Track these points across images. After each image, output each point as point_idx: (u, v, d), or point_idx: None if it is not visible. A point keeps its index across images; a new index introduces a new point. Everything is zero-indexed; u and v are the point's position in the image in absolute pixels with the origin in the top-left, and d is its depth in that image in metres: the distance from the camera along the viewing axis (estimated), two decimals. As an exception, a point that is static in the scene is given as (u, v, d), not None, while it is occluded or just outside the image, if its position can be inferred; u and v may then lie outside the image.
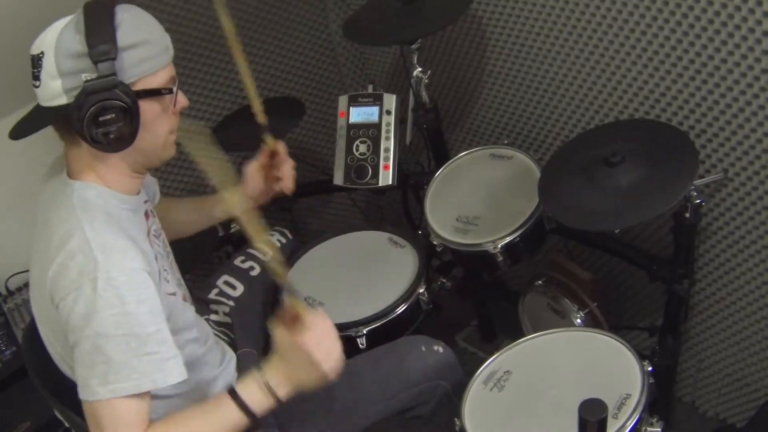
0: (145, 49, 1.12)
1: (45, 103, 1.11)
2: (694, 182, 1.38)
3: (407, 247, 1.80)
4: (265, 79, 2.36)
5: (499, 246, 1.60)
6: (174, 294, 1.25)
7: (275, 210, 2.33)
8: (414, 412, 1.47)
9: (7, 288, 1.92)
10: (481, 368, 1.41)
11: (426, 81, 1.81)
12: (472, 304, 2.24)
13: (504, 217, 1.64)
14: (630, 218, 1.37)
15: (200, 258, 2.10)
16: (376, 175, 1.82)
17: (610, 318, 1.78)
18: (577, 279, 1.80)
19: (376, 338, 1.58)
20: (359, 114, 1.87)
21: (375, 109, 1.85)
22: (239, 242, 2.13)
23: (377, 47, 2.42)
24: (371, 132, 1.84)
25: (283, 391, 1.16)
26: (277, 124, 1.96)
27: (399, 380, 1.43)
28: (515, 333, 1.77)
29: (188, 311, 1.32)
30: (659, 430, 1.22)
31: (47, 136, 1.19)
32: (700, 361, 1.88)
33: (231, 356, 1.48)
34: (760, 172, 1.50)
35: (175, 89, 1.19)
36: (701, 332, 1.83)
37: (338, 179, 1.86)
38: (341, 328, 1.61)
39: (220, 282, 1.69)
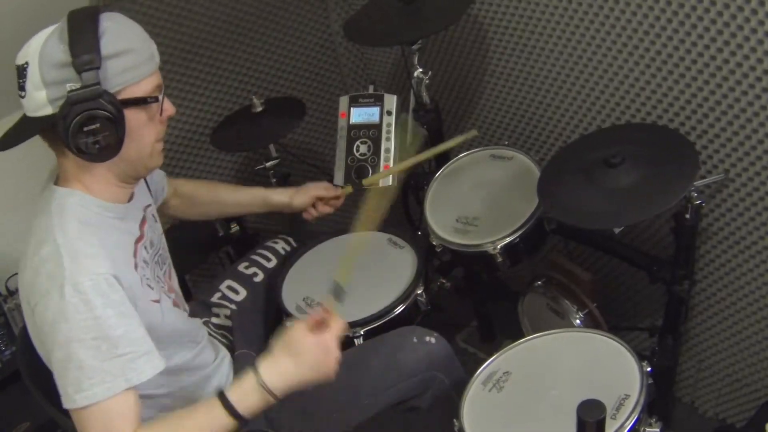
0: (129, 58, 1.12)
1: (31, 114, 1.11)
2: (695, 183, 1.38)
3: (406, 247, 1.80)
4: (266, 79, 2.37)
5: (499, 247, 1.60)
6: (158, 301, 1.25)
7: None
8: (410, 404, 1.48)
9: (7, 288, 1.92)
10: (480, 369, 1.41)
11: (427, 81, 1.81)
12: (471, 304, 2.24)
13: (504, 218, 1.64)
14: (630, 217, 1.37)
15: (200, 258, 2.11)
16: (376, 175, 1.82)
17: (610, 318, 1.78)
18: (577, 279, 1.80)
19: (374, 339, 1.58)
20: (360, 114, 1.87)
21: (376, 110, 1.85)
22: (239, 242, 2.14)
23: (378, 48, 2.42)
24: (372, 132, 1.84)
25: (280, 389, 1.18)
26: (278, 125, 1.97)
27: (392, 372, 1.43)
28: (515, 333, 1.77)
29: (178, 316, 1.33)
30: (658, 430, 1.22)
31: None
32: (700, 362, 1.88)
33: (224, 355, 1.48)
34: (761, 173, 1.50)
35: (160, 97, 1.19)
36: (701, 333, 1.83)
37: (339, 180, 1.87)
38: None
39: (223, 286, 1.70)
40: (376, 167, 1.82)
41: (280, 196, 1.76)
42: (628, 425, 1.17)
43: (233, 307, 1.66)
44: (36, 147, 1.17)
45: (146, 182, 1.43)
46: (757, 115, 1.45)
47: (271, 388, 1.17)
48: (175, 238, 1.89)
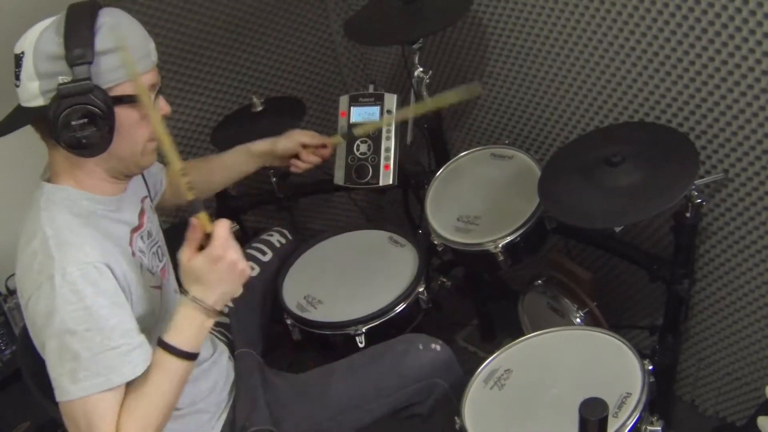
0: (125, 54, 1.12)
1: (24, 104, 1.11)
2: (695, 182, 1.38)
3: (407, 246, 1.80)
4: (266, 79, 2.37)
5: (500, 245, 1.60)
6: (159, 287, 1.26)
7: (275, 210, 2.33)
8: (412, 411, 1.48)
9: (7, 288, 1.92)
10: (481, 367, 1.41)
11: (427, 81, 1.81)
12: (472, 303, 2.24)
13: (505, 217, 1.64)
14: (630, 216, 1.37)
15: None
16: (376, 174, 1.82)
17: (610, 317, 1.78)
18: (577, 278, 1.80)
19: (375, 337, 1.58)
20: (360, 114, 1.87)
21: (376, 109, 1.85)
22: (239, 242, 2.13)
23: (378, 47, 2.42)
24: (372, 132, 1.84)
25: (214, 306, 1.16)
26: (278, 124, 1.97)
27: (396, 378, 1.43)
28: (515, 332, 1.77)
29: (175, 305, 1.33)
30: (659, 428, 1.22)
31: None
32: (700, 360, 1.88)
33: (222, 350, 1.48)
34: (760, 173, 1.50)
35: (153, 96, 1.18)
36: (701, 331, 1.83)
37: (339, 179, 1.87)
38: (341, 326, 1.61)
39: None
40: (376, 167, 1.82)
41: (262, 144, 1.68)
42: (630, 423, 1.17)
43: (230, 303, 1.65)
44: (38, 146, 1.17)
45: (143, 176, 1.42)
46: (756, 115, 1.45)
47: (204, 304, 1.15)
48: (175, 237, 1.89)
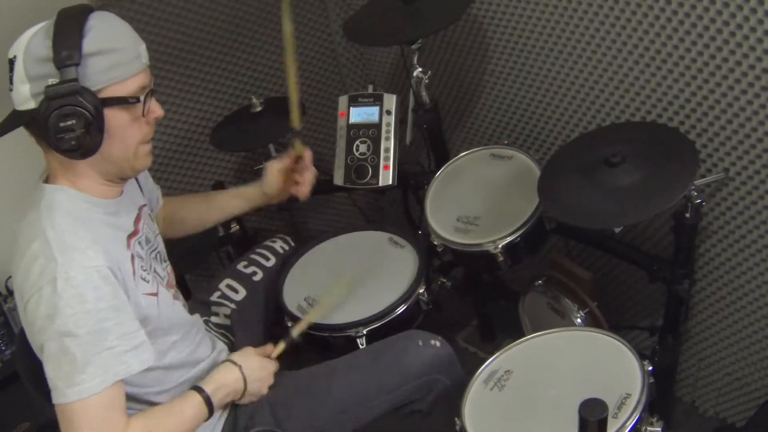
0: (112, 57, 1.11)
1: (18, 107, 1.12)
2: (695, 182, 1.38)
3: (407, 247, 1.80)
4: (265, 79, 2.36)
5: (500, 246, 1.60)
6: (155, 294, 1.25)
7: (275, 210, 2.33)
8: (412, 407, 1.48)
9: (7, 288, 1.92)
10: (481, 368, 1.41)
11: (426, 81, 1.81)
12: (472, 304, 2.24)
13: (504, 217, 1.64)
14: (630, 217, 1.37)
15: (201, 258, 2.11)
16: (376, 175, 1.82)
17: (611, 318, 1.77)
18: (577, 279, 1.80)
19: (375, 338, 1.58)
20: (359, 114, 1.87)
21: (375, 109, 1.85)
22: (239, 242, 2.14)
23: (377, 47, 2.42)
24: (371, 132, 1.84)
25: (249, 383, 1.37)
26: (277, 124, 1.97)
27: (397, 375, 1.43)
28: (515, 333, 1.77)
29: (177, 310, 1.33)
30: (659, 429, 1.22)
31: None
32: (700, 361, 1.88)
33: (221, 348, 1.49)
34: (760, 172, 1.50)
35: (142, 98, 1.17)
36: (701, 332, 1.83)
37: (338, 179, 1.87)
38: (341, 328, 1.61)
39: (222, 285, 1.70)
40: (376, 166, 1.82)
41: (252, 190, 1.67)
42: (630, 424, 1.17)
43: (233, 306, 1.66)
44: (36, 148, 1.18)
45: (138, 183, 1.42)
46: (756, 114, 1.45)
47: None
48: (175, 238, 1.90)
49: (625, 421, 1.17)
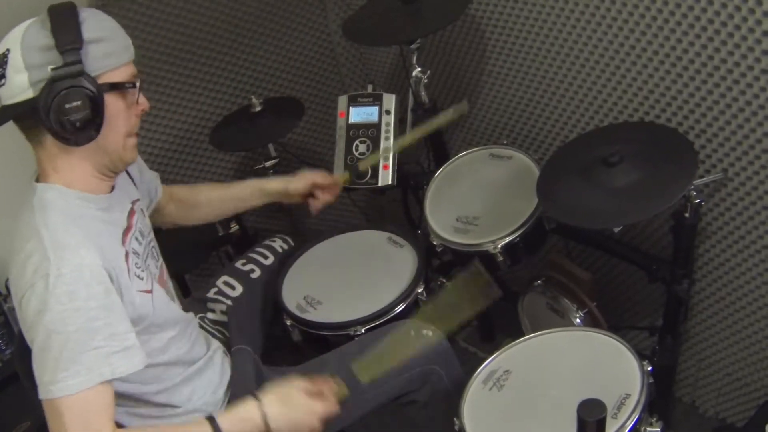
0: (107, 45, 1.15)
1: (9, 101, 1.12)
2: (694, 182, 1.38)
3: (406, 246, 1.80)
4: (264, 79, 2.36)
5: (499, 246, 1.60)
6: (149, 291, 1.25)
7: (275, 209, 2.33)
8: (408, 398, 1.48)
9: (7, 288, 1.92)
10: (480, 368, 1.41)
11: (425, 81, 1.81)
12: (471, 304, 2.24)
13: (504, 217, 1.64)
14: (629, 217, 1.37)
15: (201, 258, 2.11)
16: (375, 175, 1.82)
17: (610, 318, 1.78)
18: (577, 279, 1.80)
19: (375, 338, 1.58)
20: (359, 114, 1.87)
21: (374, 109, 1.85)
22: (239, 242, 2.14)
23: (377, 47, 2.42)
24: (371, 132, 1.84)
25: (274, 425, 1.22)
26: (277, 124, 1.97)
27: None
28: (515, 333, 1.77)
29: (172, 308, 1.33)
30: (659, 429, 1.22)
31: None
32: (700, 361, 1.88)
33: (216, 347, 1.48)
34: (759, 172, 1.50)
35: (138, 84, 1.21)
36: (701, 332, 1.83)
37: (338, 179, 1.86)
38: (340, 327, 1.61)
39: (219, 282, 1.70)
40: (375, 167, 1.82)
41: (276, 183, 1.72)
42: (629, 425, 1.17)
43: (229, 302, 1.66)
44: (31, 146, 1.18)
45: (131, 177, 1.43)
46: (755, 114, 1.45)
47: (269, 419, 1.22)
48: (175, 238, 1.90)
49: (625, 422, 1.17)
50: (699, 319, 1.81)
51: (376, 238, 1.87)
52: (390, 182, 1.82)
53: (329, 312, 1.66)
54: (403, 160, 1.88)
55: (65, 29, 1.10)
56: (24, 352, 1.25)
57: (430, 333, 1.47)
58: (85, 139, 1.13)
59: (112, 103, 1.16)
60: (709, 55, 1.46)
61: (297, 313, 1.67)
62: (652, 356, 1.67)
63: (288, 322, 1.67)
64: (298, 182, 1.70)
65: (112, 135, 1.19)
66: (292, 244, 1.88)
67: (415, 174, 1.98)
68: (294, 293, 1.73)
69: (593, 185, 1.39)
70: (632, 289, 1.96)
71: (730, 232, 1.63)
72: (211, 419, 1.18)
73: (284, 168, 2.15)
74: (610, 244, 1.76)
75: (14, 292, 1.13)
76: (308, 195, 1.72)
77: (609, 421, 0.97)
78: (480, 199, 1.74)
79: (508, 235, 1.60)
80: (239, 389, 1.43)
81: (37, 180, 1.20)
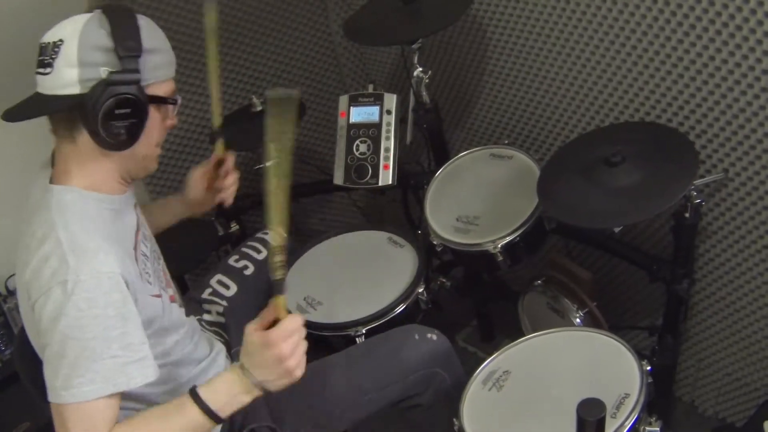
0: (160, 56, 1.17)
1: (51, 91, 1.12)
2: (694, 182, 1.38)
3: (407, 246, 1.80)
4: (265, 79, 2.37)
5: (499, 246, 1.60)
6: (159, 296, 1.25)
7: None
8: (411, 401, 1.48)
9: (7, 288, 1.92)
10: (480, 368, 1.41)
11: (426, 81, 1.81)
12: (471, 304, 2.24)
13: (504, 217, 1.64)
14: (630, 217, 1.37)
15: (201, 258, 2.11)
16: (376, 174, 1.82)
17: (610, 318, 1.78)
18: (577, 278, 1.80)
19: (375, 338, 1.58)
20: (360, 114, 1.87)
21: (375, 109, 1.85)
22: (238, 242, 2.14)
23: (378, 47, 2.42)
24: (371, 132, 1.84)
25: (254, 384, 1.14)
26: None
27: (394, 370, 1.44)
28: (515, 333, 1.77)
29: (177, 312, 1.33)
30: (658, 429, 1.22)
31: (46, 135, 1.19)
32: (700, 361, 1.88)
33: (219, 349, 1.48)
34: (760, 172, 1.50)
35: (179, 102, 1.23)
36: (701, 332, 1.83)
37: (338, 179, 1.87)
38: (341, 327, 1.61)
39: (213, 281, 1.70)
40: (376, 166, 1.82)
41: (174, 198, 1.65)
42: (628, 424, 1.17)
43: (224, 303, 1.66)
44: (34, 145, 1.18)
45: None
46: (756, 114, 1.45)
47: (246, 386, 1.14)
48: (175, 238, 1.89)
49: (624, 421, 1.17)
50: (699, 319, 1.81)
51: (377, 238, 1.87)
52: (390, 182, 1.82)
53: (330, 312, 1.66)
54: (403, 159, 1.88)
55: (126, 34, 1.10)
56: (25, 352, 1.25)
57: (435, 337, 1.47)
58: (124, 145, 1.14)
59: (153, 114, 1.17)
60: (710, 55, 1.47)
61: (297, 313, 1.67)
62: (652, 356, 1.67)
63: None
64: (190, 184, 1.59)
65: (146, 143, 1.19)
66: (284, 235, 1.86)
67: (415, 174, 1.98)
68: (294, 294, 1.74)
69: (594, 185, 1.39)
70: (632, 288, 1.96)
71: (731, 232, 1.63)
72: (191, 389, 1.13)
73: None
74: (610, 243, 1.76)
75: (25, 293, 1.12)
76: (212, 190, 1.60)
77: (608, 420, 0.97)
78: (480, 198, 1.74)
79: (509, 234, 1.60)
80: None
81: (52, 181, 1.19)
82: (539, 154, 2.02)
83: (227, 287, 1.69)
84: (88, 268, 1.07)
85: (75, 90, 1.10)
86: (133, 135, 1.14)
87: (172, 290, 1.38)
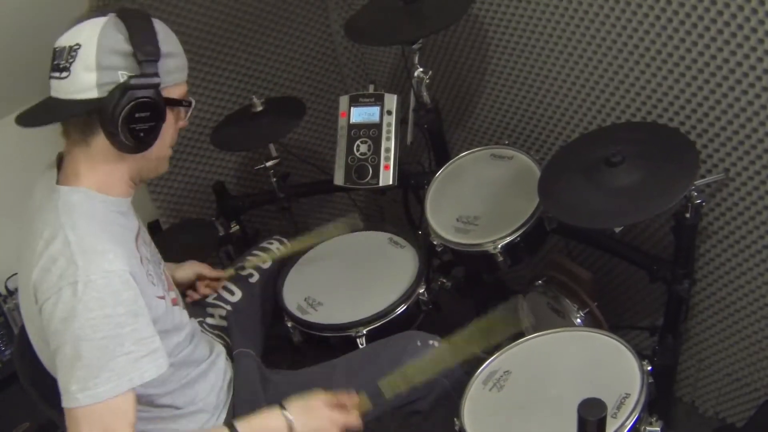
0: (176, 60, 1.19)
1: (68, 96, 1.12)
2: (695, 182, 1.38)
3: (407, 247, 1.80)
4: (266, 79, 2.37)
5: (500, 246, 1.60)
6: (162, 298, 1.26)
7: (275, 210, 2.33)
8: (412, 407, 1.48)
9: (7, 288, 1.92)
10: (480, 368, 1.41)
11: (427, 81, 1.81)
12: (472, 304, 2.24)
13: (504, 217, 1.64)
14: (630, 217, 1.37)
15: (200, 258, 2.10)
16: (376, 175, 1.82)
17: (610, 318, 1.78)
18: (577, 279, 1.80)
19: (375, 338, 1.58)
20: (360, 114, 1.87)
21: (376, 109, 1.85)
22: (239, 242, 2.14)
23: (378, 47, 2.42)
24: (372, 132, 1.84)
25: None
26: (278, 124, 1.97)
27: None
28: (515, 333, 1.77)
29: (179, 313, 1.33)
30: (658, 429, 1.22)
31: (46, 136, 1.19)
32: (700, 361, 1.88)
33: (219, 351, 1.49)
34: (761, 173, 1.50)
35: (193, 104, 1.25)
36: (701, 332, 1.83)
37: (339, 179, 1.87)
38: (341, 328, 1.61)
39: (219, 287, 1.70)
40: (376, 166, 1.82)
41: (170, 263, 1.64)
42: (629, 424, 1.17)
43: (228, 308, 1.66)
44: (34, 146, 1.17)
45: None
46: (756, 114, 1.45)
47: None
48: (175, 238, 1.90)
49: (624, 421, 1.17)
50: (699, 319, 1.81)
51: (377, 238, 1.87)
52: (391, 182, 1.82)
53: (330, 313, 1.66)
54: (404, 159, 1.88)
55: (144, 38, 1.11)
56: (24, 352, 1.24)
57: (436, 344, 1.47)
58: (141, 148, 1.15)
59: (168, 117, 1.19)
60: (711, 55, 1.47)
61: (298, 314, 1.67)
62: (653, 356, 1.67)
63: (289, 324, 1.67)
64: (185, 270, 1.65)
65: (160, 145, 1.20)
66: (289, 245, 1.88)
67: (415, 174, 1.98)
68: (295, 294, 1.74)
69: (595, 185, 1.39)
70: (633, 288, 1.96)
71: (731, 233, 1.63)
72: (230, 425, 1.19)
73: (285, 168, 2.15)
74: (611, 243, 1.76)
75: (31, 294, 1.11)
76: (191, 285, 1.66)
77: (609, 420, 0.97)
78: (481, 199, 1.73)
79: (509, 235, 1.60)
80: (243, 392, 1.44)
81: (58, 180, 1.19)
82: (540, 154, 2.02)
83: (232, 293, 1.69)
84: (97, 268, 1.07)
85: (93, 94, 1.11)
86: (150, 138, 1.15)
87: (174, 293, 1.38)
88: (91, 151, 1.16)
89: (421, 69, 1.79)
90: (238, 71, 2.29)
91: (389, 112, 1.83)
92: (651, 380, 1.25)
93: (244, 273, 1.74)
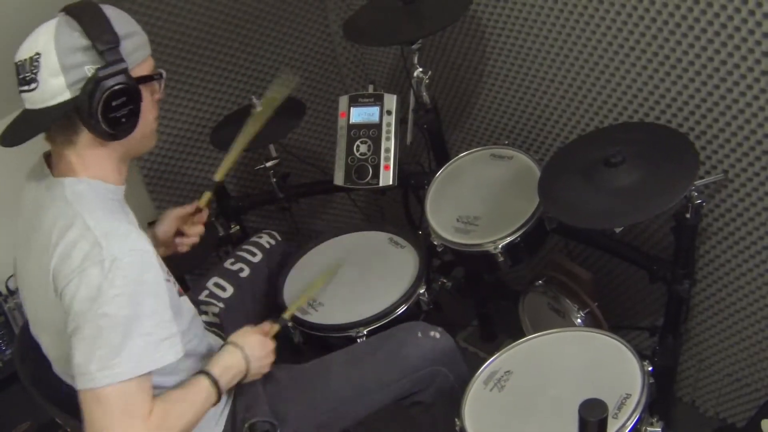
0: (135, 39, 1.18)
1: (42, 104, 1.12)
2: (695, 183, 1.38)
3: (407, 247, 1.80)
4: (265, 79, 2.36)
5: (500, 246, 1.60)
6: (168, 280, 1.26)
7: (275, 210, 2.33)
8: (413, 399, 1.48)
9: (7, 288, 1.92)
10: (481, 368, 1.41)
11: (426, 81, 1.81)
12: (472, 304, 2.24)
13: (504, 217, 1.64)
14: (630, 217, 1.37)
15: (201, 258, 2.11)
16: (376, 175, 1.82)
17: (611, 318, 1.78)
18: (578, 279, 1.80)
19: (376, 338, 1.58)
20: (360, 114, 1.87)
21: (375, 110, 1.85)
22: (239, 242, 2.13)
23: (378, 48, 2.42)
24: (372, 132, 1.84)
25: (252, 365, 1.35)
26: (278, 124, 1.97)
27: (397, 367, 1.44)
28: (515, 333, 1.77)
29: (185, 303, 1.34)
30: (659, 429, 1.22)
31: (39, 137, 1.19)
32: (701, 361, 1.88)
33: (220, 345, 1.48)
34: (760, 173, 1.50)
35: (164, 75, 1.24)
36: (702, 332, 1.83)
37: (339, 179, 1.86)
38: (342, 328, 1.61)
39: (210, 283, 1.71)
40: (376, 166, 1.82)
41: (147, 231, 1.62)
42: (630, 425, 1.17)
43: (221, 305, 1.67)
44: (30, 146, 1.17)
45: None
46: (756, 115, 1.45)
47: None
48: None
49: (625, 422, 1.17)
50: (700, 320, 1.81)
51: (377, 238, 1.87)
52: (391, 182, 1.81)
53: (331, 313, 1.66)
54: (403, 160, 1.88)
55: (98, 28, 1.11)
56: (25, 352, 1.24)
57: (438, 335, 1.47)
58: (126, 132, 1.16)
59: (144, 95, 1.19)
60: (709, 56, 1.47)
61: (298, 315, 1.67)
62: (653, 356, 1.67)
63: (289, 324, 1.67)
64: (162, 224, 1.58)
65: (143, 123, 1.20)
66: (279, 239, 1.87)
67: (415, 174, 1.98)
68: (295, 295, 1.73)
69: (594, 185, 1.39)
70: (633, 289, 1.96)
71: (731, 233, 1.63)
72: (205, 372, 1.26)
73: (285, 168, 2.15)
74: (611, 244, 1.76)
75: (48, 283, 1.11)
76: (177, 234, 1.59)
77: (610, 421, 0.97)
78: (481, 199, 1.73)
79: (509, 235, 1.60)
80: (245, 385, 1.44)
81: (57, 176, 1.19)
82: (539, 155, 2.02)
83: (224, 289, 1.69)
84: (123, 246, 1.09)
85: (66, 96, 1.11)
86: (132, 120, 1.16)
87: (177, 285, 1.38)
88: (78, 147, 1.16)
89: (420, 69, 1.79)
90: (237, 71, 2.29)
91: (389, 112, 1.83)
92: (652, 380, 1.25)
93: (235, 267, 1.74)
